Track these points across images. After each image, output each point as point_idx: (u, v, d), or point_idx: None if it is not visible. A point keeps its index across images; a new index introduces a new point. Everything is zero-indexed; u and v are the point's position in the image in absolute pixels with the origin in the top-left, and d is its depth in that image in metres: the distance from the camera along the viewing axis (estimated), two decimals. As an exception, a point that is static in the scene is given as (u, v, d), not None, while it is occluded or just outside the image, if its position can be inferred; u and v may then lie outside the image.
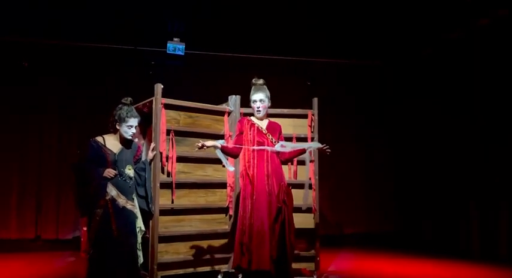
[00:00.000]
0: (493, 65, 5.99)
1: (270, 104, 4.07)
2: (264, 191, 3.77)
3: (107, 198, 3.65)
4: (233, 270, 4.12)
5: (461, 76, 6.47)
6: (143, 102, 4.56)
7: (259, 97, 3.98)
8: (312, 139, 4.88)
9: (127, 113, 3.79)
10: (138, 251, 3.81)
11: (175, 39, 6.70)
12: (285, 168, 4.61)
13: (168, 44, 6.68)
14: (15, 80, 6.80)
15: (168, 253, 4.28)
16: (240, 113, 4.72)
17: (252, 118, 4.07)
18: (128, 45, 7.12)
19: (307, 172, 4.34)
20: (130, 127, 3.80)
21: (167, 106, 4.40)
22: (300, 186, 4.77)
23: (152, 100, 4.40)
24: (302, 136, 4.89)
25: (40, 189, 6.75)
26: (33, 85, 6.86)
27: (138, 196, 3.93)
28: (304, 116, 4.95)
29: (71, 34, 6.83)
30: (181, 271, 4.33)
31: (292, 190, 4.72)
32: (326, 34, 7.00)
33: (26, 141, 6.77)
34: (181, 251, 4.39)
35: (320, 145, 3.90)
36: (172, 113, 4.47)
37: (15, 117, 6.76)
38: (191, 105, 4.62)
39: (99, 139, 3.80)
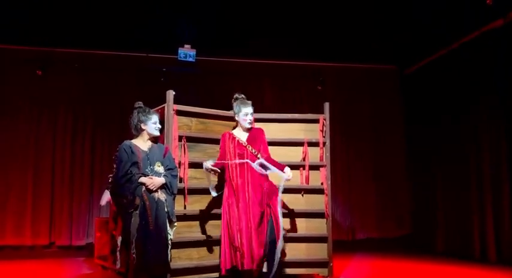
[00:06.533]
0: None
1: None
2: (245, 199, 4.08)
3: (142, 190, 3.66)
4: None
5: (474, 80, 6.41)
6: (155, 109, 4.59)
7: (250, 111, 4.27)
8: (324, 144, 4.88)
9: (147, 112, 3.91)
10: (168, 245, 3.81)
11: (186, 45, 6.73)
12: (296, 172, 4.58)
13: (179, 51, 6.71)
14: (29, 88, 6.89)
15: (180, 258, 4.29)
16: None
17: (234, 132, 4.33)
18: (140, 52, 7.19)
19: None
20: (155, 123, 3.90)
21: (179, 113, 4.43)
22: (312, 191, 4.79)
23: (164, 106, 4.43)
24: (314, 140, 4.88)
25: (53, 196, 6.82)
26: (47, 94, 6.95)
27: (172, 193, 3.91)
28: (316, 121, 4.93)
29: (84, 42, 6.92)
30: (194, 277, 4.33)
31: (305, 195, 4.77)
32: (338, 38, 6.97)
33: (39, 150, 6.85)
34: (194, 257, 4.39)
35: (285, 178, 4.11)
36: (184, 119, 4.50)
37: (29, 127, 6.85)
38: (203, 111, 4.65)
39: (127, 142, 3.85)
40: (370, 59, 7.74)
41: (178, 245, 4.26)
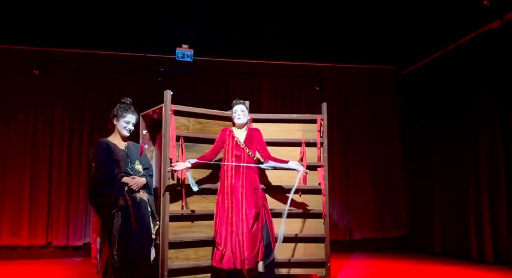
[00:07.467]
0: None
1: (249, 116, 4.52)
2: (238, 200, 4.12)
3: (125, 191, 3.64)
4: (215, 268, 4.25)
5: (471, 82, 6.42)
6: (153, 109, 4.60)
7: (240, 109, 4.40)
8: (322, 145, 4.88)
9: (124, 108, 3.83)
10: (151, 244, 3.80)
11: (184, 45, 6.72)
12: (294, 172, 4.59)
13: (176, 51, 6.70)
14: (26, 88, 6.86)
15: (178, 259, 4.29)
16: (249, 118, 4.73)
17: (233, 129, 4.39)
18: (138, 52, 7.17)
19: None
20: (127, 122, 3.81)
21: (177, 113, 4.43)
22: (310, 191, 4.80)
23: (162, 106, 4.43)
24: (311, 141, 4.89)
25: (50, 196, 6.79)
26: (44, 94, 6.92)
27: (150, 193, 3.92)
28: (313, 121, 4.94)
29: (81, 42, 6.90)
30: (191, 277, 4.33)
31: (302, 195, 4.77)
32: (336, 39, 6.97)
33: (36, 150, 6.82)
34: (191, 257, 4.39)
35: (302, 171, 4.29)
36: (182, 119, 4.50)
37: (26, 126, 6.82)
38: (200, 111, 4.64)
39: (104, 139, 3.81)
40: (368, 60, 7.75)
41: (176, 245, 4.27)
